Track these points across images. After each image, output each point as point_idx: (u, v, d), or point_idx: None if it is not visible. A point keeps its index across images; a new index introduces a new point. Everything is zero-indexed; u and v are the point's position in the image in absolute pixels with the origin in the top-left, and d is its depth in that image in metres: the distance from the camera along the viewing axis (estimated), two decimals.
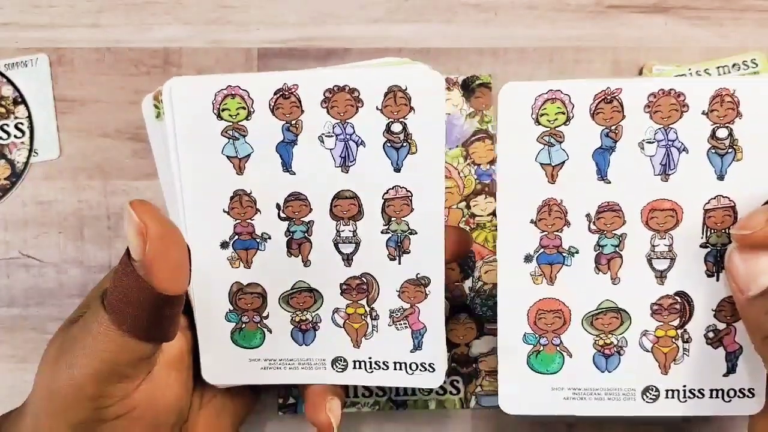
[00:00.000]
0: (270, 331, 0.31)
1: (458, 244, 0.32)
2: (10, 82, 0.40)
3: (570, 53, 0.41)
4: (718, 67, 0.40)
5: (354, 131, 0.28)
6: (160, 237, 0.27)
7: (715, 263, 0.27)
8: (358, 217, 0.29)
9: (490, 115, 0.41)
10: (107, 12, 0.41)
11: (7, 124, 0.40)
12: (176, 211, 0.29)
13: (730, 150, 0.26)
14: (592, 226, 0.28)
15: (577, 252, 0.28)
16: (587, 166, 0.27)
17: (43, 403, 0.28)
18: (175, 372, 0.30)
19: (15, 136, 0.40)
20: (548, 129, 0.27)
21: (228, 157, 0.29)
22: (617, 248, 0.28)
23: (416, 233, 0.29)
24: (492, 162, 0.40)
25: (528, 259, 0.29)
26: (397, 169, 0.28)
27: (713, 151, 0.26)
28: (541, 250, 0.28)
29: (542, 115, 0.27)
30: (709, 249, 0.27)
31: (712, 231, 0.27)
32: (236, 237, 0.29)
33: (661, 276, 0.28)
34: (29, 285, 0.40)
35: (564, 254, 0.28)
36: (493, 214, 0.40)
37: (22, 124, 0.40)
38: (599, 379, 0.29)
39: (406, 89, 0.27)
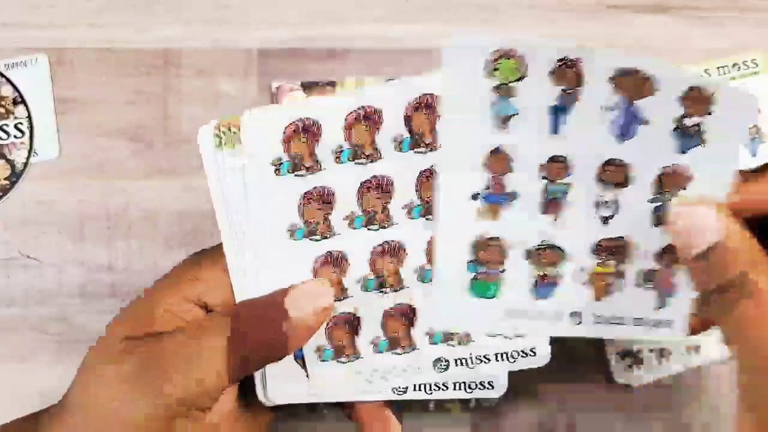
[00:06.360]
0: None
1: None
2: (10, 82, 0.40)
3: None
4: (718, 67, 0.40)
5: (641, 112, 0.28)
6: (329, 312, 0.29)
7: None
8: (625, 184, 0.29)
9: None
10: (107, 12, 0.41)
11: (6, 124, 0.40)
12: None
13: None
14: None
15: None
16: None
17: (105, 425, 0.27)
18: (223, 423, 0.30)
19: (15, 136, 0.40)
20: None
21: (492, 116, 0.29)
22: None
23: None
24: None
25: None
26: (683, 152, 0.29)
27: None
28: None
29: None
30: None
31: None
32: (487, 191, 0.30)
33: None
34: (29, 285, 0.40)
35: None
36: None
37: (21, 124, 0.40)
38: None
39: (707, 96, 0.28)
